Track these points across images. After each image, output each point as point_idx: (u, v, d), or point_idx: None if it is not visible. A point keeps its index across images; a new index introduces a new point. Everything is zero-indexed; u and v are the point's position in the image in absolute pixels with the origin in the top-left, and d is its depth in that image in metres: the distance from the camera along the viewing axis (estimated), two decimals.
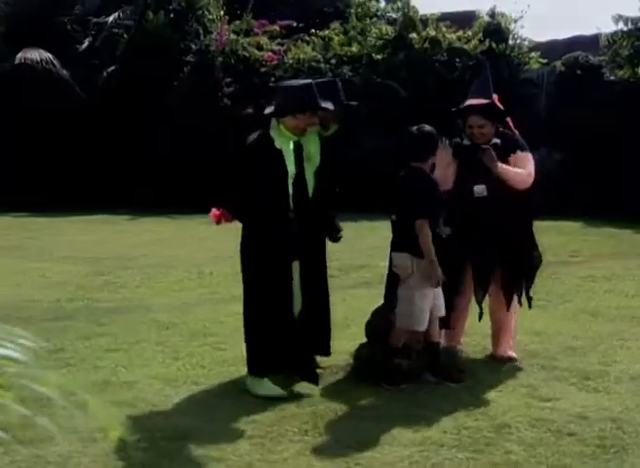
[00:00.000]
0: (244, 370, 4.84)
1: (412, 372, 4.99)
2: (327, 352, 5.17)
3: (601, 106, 16.82)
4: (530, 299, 5.77)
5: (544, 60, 18.86)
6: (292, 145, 4.75)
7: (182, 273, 8.77)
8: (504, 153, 5.39)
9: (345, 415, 4.36)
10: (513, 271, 5.53)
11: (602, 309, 7.19)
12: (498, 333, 5.61)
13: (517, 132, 5.68)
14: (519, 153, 5.46)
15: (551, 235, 12.77)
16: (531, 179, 5.51)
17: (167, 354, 5.48)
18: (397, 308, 4.88)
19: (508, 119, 5.67)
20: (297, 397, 4.63)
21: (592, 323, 6.67)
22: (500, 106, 5.54)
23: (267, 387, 4.61)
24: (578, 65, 18.10)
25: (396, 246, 4.90)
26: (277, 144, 4.65)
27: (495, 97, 5.55)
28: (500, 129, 5.51)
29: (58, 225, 13.73)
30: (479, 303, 5.56)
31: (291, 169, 4.73)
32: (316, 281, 5.03)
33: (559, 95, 18.01)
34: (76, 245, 11.14)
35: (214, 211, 4.98)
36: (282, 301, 4.63)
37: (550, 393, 4.76)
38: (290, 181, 4.73)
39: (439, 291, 4.94)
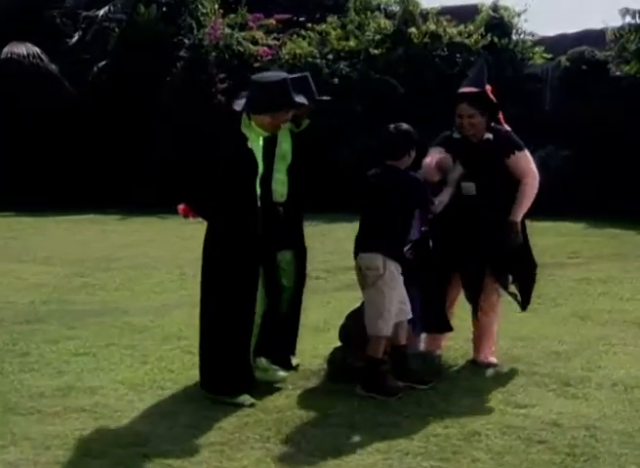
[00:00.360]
0: None
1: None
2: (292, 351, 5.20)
3: (607, 102, 16.80)
4: (526, 303, 5.72)
5: (549, 55, 18.84)
6: (261, 142, 4.74)
7: (165, 275, 8.80)
8: (500, 152, 5.31)
9: (312, 422, 4.36)
10: (502, 274, 5.49)
11: (593, 313, 7.18)
12: (479, 338, 5.61)
13: (509, 128, 5.60)
14: (517, 154, 5.35)
15: (551, 236, 12.80)
16: (537, 181, 5.43)
17: (136, 358, 5.49)
18: (366, 312, 4.86)
19: (500, 115, 5.58)
20: (264, 403, 4.63)
21: (581, 327, 6.66)
22: (493, 98, 5.45)
23: (236, 394, 4.60)
24: (583, 60, 18.06)
25: (366, 245, 4.88)
26: (249, 143, 4.63)
27: (488, 88, 5.45)
28: (492, 124, 5.43)
29: (44, 225, 13.78)
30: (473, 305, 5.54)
31: (260, 167, 4.73)
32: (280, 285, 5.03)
33: (564, 90, 17.99)
34: (60, 245, 11.17)
35: (180, 206, 4.99)
36: (243, 309, 4.60)
37: (527, 399, 4.75)
38: (258, 181, 4.72)
39: (404, 293, 4.93)
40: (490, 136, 5.33)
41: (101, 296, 7.78)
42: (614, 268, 9.55)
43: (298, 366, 5.32)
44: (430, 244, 5.32)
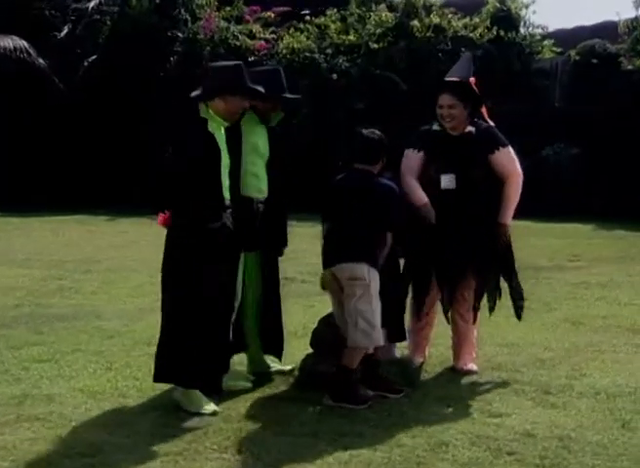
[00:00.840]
0: None
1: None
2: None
3: (619, 98, 16.75)
4: (519, 309, 5.71)
5: (559, 49, 18.78)
6: (223, 131, 4.75)
7: (145, 277, 8.79)
8: (482, 147, 5.31)
9: (274, 432, 4.35)
10: (483, 277, 5.47)
11: (587, 318, 7.17)
12: (458, 345, 5.60)
13: (493, 123, 5.57)
14: (501, 150, 5.34)
15: (555, 237, 12.80)
16: (520, 177, 5.41)
17: (100, 365, 5.50)
18: (354, 324, 4.80)
19: (484, 110, 5.56)
20: (226, 411, 4.63)
21: (571, 333, 6.65)
22: (476, 89, 5.45)
23: (200, 403, 4.60)
24: (594, 54, 17.99)
25: (348, 255, 4.81)
26: (209, 127, 4.64)
27: (472, 80, 5.45)
28: (475, 119, 5.43)
29: (29, 226, 13.86)
30: (445, 312, 5.54)
31: (225, 158, 4.71)
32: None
33: (574, 86, 17.94)
34: (42, 247, 11.23)
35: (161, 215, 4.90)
36: (203, 306, 4.60)
37: (502, 408, 4.74)
38: (225, 171, 4.71)
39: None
40: (472, 128, 5.33)
41: (76, 300, 7.80)
42: (616, 272, 9.53)
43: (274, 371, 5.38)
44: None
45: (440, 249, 5.33)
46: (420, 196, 5.26)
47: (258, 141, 5.19)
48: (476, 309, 5.60)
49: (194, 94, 4.71)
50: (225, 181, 4.73)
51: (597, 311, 7.48)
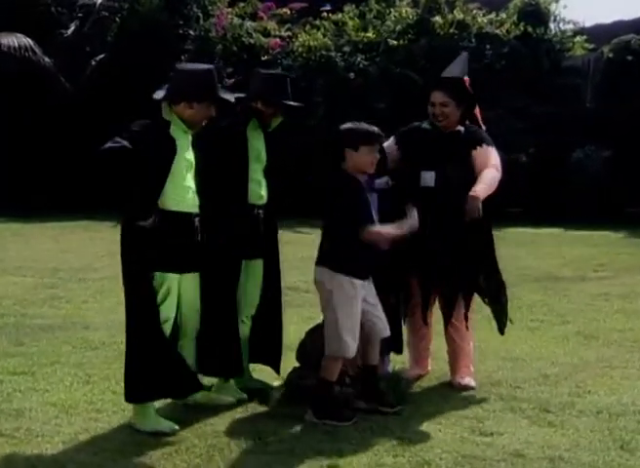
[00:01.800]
0: None
1: (346, 401, 5.00)
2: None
3: None
4: (501, 324, 5.66)
5: (591, 46, 18.66)
6: (189, 139, 4.75)
7: None
8: (467, 144, 5.36)
9: (249, 449, 4.35)
10: (466, 285, 5.46)
11: (602, 332, 7.11)
12: (453, 358, 5.58)
13: (484, 127, 5.64)
14: (485, 147, 5.38)
15: (581, 246, 12.72)
16: (500, 174, 5.41)
17: (78, 378, 5.53)
18: (324, 332, 4.84)
19: (477, 112, 5.61)
20: (202, 427, 4.65)
21: (583, 347, 6.60)
22: (470, 89, 5.49)
23: (155, 421, 4.61)
24: (629, 50, 17.88)
25: (318, 258, 4.88)
26: (171, 132, 4.64)
27: (466, 79, 5.50)
28: (467, 122, 5.47)
29: (29, 232, 13.99)
30: (424, 320, 5.53)
31: (188, 159, 4.71)
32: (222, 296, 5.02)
33: (607, 84, 17.82)
34: (38, 254, 11.33)
35: None
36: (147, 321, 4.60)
37: (495, 426, 4.71)
38: (190, 174, 4.70)
39: (378, 310, 4.90)
40: (461, 128, 5.40)
41: (66, 310, 7.86)
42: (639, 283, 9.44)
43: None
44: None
45: (420, 249, 5.30)
46: None
47: (259, 148, 5.23)
48: (466, 315, 5.53)
49: (158, 95, 4.69)
50: (191, 185, 4.71)
51: (613, 324, 7.42)
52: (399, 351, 5.63)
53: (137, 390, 4.63)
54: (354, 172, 4.79)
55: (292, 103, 5.26)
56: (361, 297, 4.81)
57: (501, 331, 5.66)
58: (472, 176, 5.27)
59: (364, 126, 4.86)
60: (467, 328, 5.54)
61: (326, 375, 4.82)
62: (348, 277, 4.74)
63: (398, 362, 5.83)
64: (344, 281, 4.73)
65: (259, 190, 5.20)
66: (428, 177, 5.30)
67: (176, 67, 4.83)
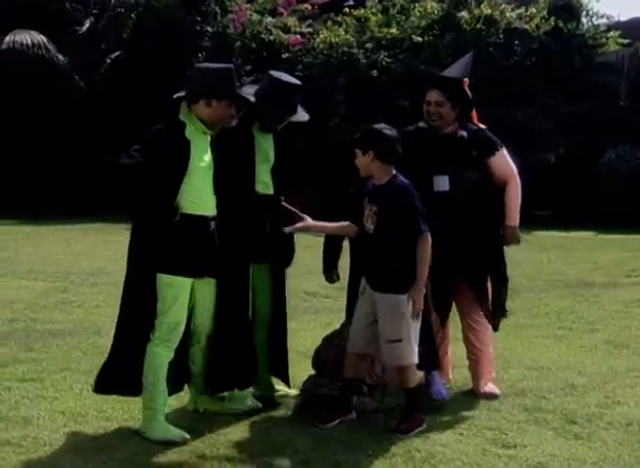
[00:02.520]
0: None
1: (363, 410, 5.01)
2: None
3: None
4: (498, 320, 5.63)
5: (626, 41, 18.55)
6: (208, 140, 4.77)
7: None
8: (479, 150, 5.38)
9: (263, 460, 4.34)
10: (480, 289, 5.46)
11: (633, 340, 7.08)
12: (474, 365, 5.57)
13: (484, 126, 5.60)
14: (498, 153, 5.44)
15: (614, 250, 12.65)
16: (518, 181, 5.50)
17: (88, 384, 5.48)
18: None
19: (474, 114, 5.57)
20: (215, 436, 4.66)
21: (612, 356, 6.56)
22: (468, 91, 5.49)
23: (164, 429, 4.63)
24: None
25: None
26: (187, 133, 4.66)
27: (465, 80, 5.50)
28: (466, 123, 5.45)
29: (41, 235, 14.09)
30: (441, 321, 5.49)
31: (205, 160, 4.73)
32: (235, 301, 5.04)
33: None
34: (50, 257, 11.41)
35: None
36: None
37: (519, 438, 4.69)
38: (207, 176, 4.73)
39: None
40: (464, 133, 5.40)
41: (77, 315, 7.91)
42: None
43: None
44: None
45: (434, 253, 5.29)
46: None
47: (267, 148, 5.23)
48: (488, 317, 5.51)
49: (177, 95, 4.73)
50: (204, 189, 4.73)
51: None
52: (434, 367, 5.51)
53: (105, 381, 4.79)
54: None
55: (294, 120, 5.21)
56: (367, 300, 4.87)
57: (496, 327, 5.62)
58: (486, 180, 5.36)
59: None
60: (496, 328, 5.55)
61: (345, 372, 4.95)
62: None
63: None
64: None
65: (264, 192, 5.21)
66: (442, 182, 5.31)
67: (194, 66, 4.85)
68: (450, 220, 5.26)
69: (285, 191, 5.30)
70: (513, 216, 5.45)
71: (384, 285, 4.78)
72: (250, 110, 5.08)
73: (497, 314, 5.56)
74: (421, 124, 5.52)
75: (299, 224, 4.95)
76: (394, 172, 4.83)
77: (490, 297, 5.50)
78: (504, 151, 5.49)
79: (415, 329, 4.79)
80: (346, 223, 5.01)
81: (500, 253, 5.52)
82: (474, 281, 5.45)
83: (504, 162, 5.48)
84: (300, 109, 5.22)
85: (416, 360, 4.81)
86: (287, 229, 4.97)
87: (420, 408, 4.93)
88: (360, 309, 4.93)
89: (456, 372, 5.84)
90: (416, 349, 4.80)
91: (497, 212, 5.45)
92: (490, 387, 5.48)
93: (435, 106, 5.32)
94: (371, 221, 4.81)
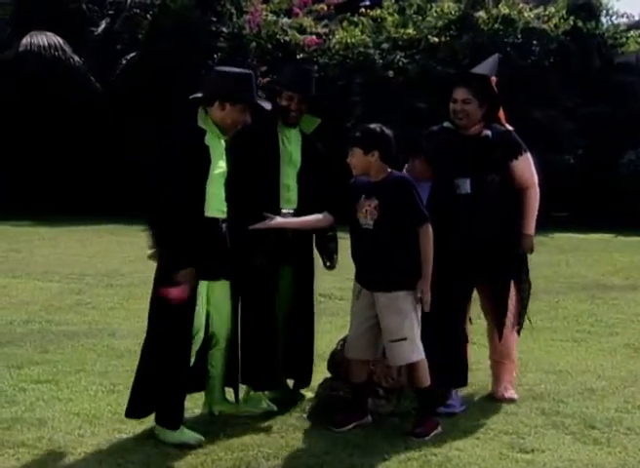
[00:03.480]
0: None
1: (379, 413, 5.01)
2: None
3: None
4: (520, 326, 5.61)
5: None
6: (223, 145, 4.77)
7: None
8: (503, 153, 5.32)
9: (276, 462, 4.35)
10: (502, 291, 5.42)
11: None
12: (497, 370, 5.55)
13: (511, 128, 5.51)
14: (522, 157, 5.38)
15: (632, 253, 12.62)
16: (537, 188, 5.46)
17: (103, 386, 5.58)
18: None
19: (501, 114, 5.48)
20: (229, 439, 4.67)
21: (632, 360, 6.53)
22: (495, 89, 5.39)
23: (179, 432, 4.63)
24: None
25: None
26: (206, 141, 4.64)
27: (493, 79, 5.42)
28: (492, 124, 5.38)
29: (56, 236, 14.16)
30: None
31: (221, 166, 4.73)
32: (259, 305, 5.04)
33: None
34: (65, 258, 11.46)
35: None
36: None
37: (537, 443, 4.66)
38: (221, 181, 4.74)
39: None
40: (488, 132, 5.32)
41: (92, 316, 7.93)
42: None
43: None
44: None
45: (454, 259, 5.24)
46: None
47: (292, 150, 5.23)
48: (502, 325, 5.45)
49: (193, 96, 4.73)
50: (218, 194, 4.73)
51: None
52: (463, 384, 5.45)
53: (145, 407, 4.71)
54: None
55: (314, 96, 5.30)
56: (364, 304, 4.87)
57: (518, 331, 5.59)
58: (508, 181, 5.31)
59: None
60: (518, 332, 5.54)
61: (349, 377, 4.98)
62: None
63: None
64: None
65: (287, 194, 5.20)
66: (464, 184, 5.26)
67: (212, 68, 4.84)
68: (472, 223, 5.23)
69: (309, 195, 5.27)
70: (530, 224, 5.41)
71: (384, 282, 4.78)
72: (274, 108, 5.07)
73: (520, 318, 5.52)
74: (446, 124, 5.43)
75: (268, 221, 4.87)
76: (389, 168, 4.86)
77: (513, 301, 5.45)
78: (528, 156, 5.42)
79: (418, 326, 4.79)
80: (320, 216, 4.96)
81: (522, 256, 5.47)
82: (496, 284, 5.40)
83: (527, 167, 5.40)
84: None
85: (422, 356, 4.79)
86: (256, 226, 4.85)
87: (434, 409, 4.92)
88: (358, 314, 4.92)
89: (471, 376, 5.80)
90: (421, 346, 4.78)
91: (517, 216, 5.40)
92: (510, 393, 5.45)
93: (462, 104, 5.23)
94: (370, 217, 4.80)
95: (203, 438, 4.60)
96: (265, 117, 5.07)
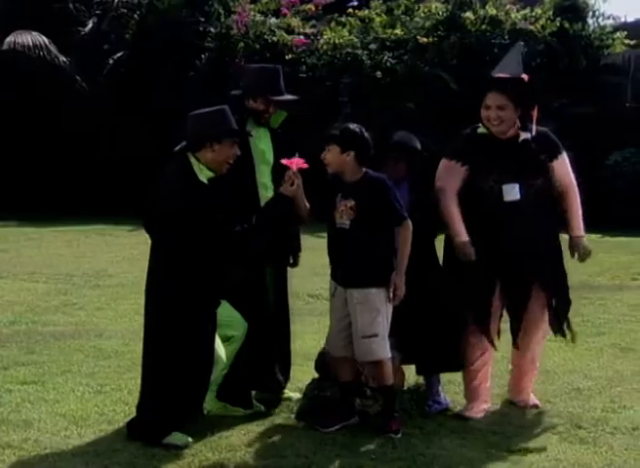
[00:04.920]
0: None
1: (366, 413, 5.00)
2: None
3: None
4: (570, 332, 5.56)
5: (632, 42, 18.48)
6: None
7: None
8: (545, 153, 5.19)
9: (264, 463, 4.36)
10: (550, 298, 5.31)
11: (639, 344, 7.04)
12: (517, 377, 5.41)
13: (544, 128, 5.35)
14: (562, 156, 5.27)
15: (620, 253, 12.62)
16: (577, 188, 5.37)
17: (90, 387, 5.57)
18: None
19: (534, 113, 5.24)
20: (217, 440, 4.66)
21: (618, 360, 6.55)
22: (532, 89, 5.24)
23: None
24: None
25: None
26: (201, 177, 4.70)
27: (524, 77, 5.20)
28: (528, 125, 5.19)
29: (43, 236, 14.09)
30: (491, 341, 5.28)
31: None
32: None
33: None
34: (52, 259, 11.42)
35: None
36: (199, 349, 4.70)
37: (523, 443, 4.68)
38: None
39: (356, 332, 4.88)
40: (527, 135, 5.15)
41: (79, 317, 7.92)
42: None
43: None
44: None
45: (501, 270, 5.17)
46: (460, 231, 5.14)
47: (264, 148, 5.23)
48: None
49: (178, 148, 4.75)
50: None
51: None
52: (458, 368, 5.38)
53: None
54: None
55: (282, 98, 5.28)
56: (339, 302, 4.91)
57: (573, 338, 5.54)
58: (553, 184, 5.22)
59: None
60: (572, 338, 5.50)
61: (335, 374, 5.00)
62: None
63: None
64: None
65: (265, 193, 5.20)
66: (512, 190, 5.11)
67: (188, 115, 4.84)
68: (523, 230, 5.10)
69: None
70: (579, 226, 5.30)
71: (358, 279, 4.80)
72: (237, 109, 5.04)
73: (563, 324, 5.45)
74: (480, 129, 5.21)
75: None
76: (364, 169, 4.87)
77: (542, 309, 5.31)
78: (565, 155, 5.31)
79: (388, 323, 4.83)
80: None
81: (561, 262, 5.33)
82: (541, 290, 5.26)
83: (566, 167, 5.29)
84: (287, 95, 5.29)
85: (390, 354, 4.81)
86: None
87: (395, 408, 4.92)
88: (335, 312, 4.98)
89: (458, 375, 5.78)
90: (387, 345, 4.82)
91: (559, 220, 5.31)
92: (533, 399, 5.33)
93: (497, 110, 5.04)
94: (346, 217, 4.81)
95: (190, 439, 4.59)
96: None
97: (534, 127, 5.24)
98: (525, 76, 5.21)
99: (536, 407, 5.30)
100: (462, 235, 5.13)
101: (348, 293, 4.84)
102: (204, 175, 4.72)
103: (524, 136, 5.17)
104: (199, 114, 4.82)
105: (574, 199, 5.32)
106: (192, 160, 4.71)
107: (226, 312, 4.90)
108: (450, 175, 5.22)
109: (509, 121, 5.11)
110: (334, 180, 4.91)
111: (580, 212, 5.35)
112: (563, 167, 5.28)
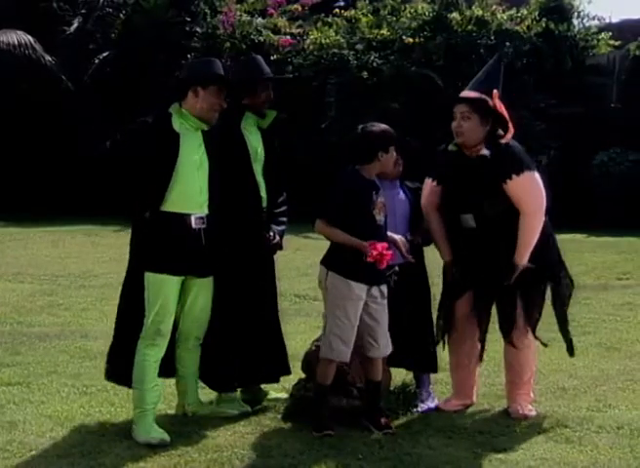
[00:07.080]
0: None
1: (353, 413, 5.00)
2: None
3: None
4: (569, 342, 5.56)
5: (617, 43, 18.57)
6: (200, 137, 4.76)
7: None
8: (496, 174, 4.94)
9: (251, 464, 4.36)
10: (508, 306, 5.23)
11: (624, 343, 7.09)
12: (511, 384, 5.33)
13: (512, 141, 5.08)
14: (516, 178, 4.90)
15: (605, 253, 12.67)
16: (543, 209, 5.02)
17: (76, 388, 5.56)
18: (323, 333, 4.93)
19: (509, 134, 5.07)
20: (204, 440, 4.66)
21: (603, 359, 6.57)
22: (499, 105, 5.01)
23: (146, 430, 4.64)
24: None
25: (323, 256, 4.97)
26: (175, 126, 4.66)
27: (495, 92, 5.02)
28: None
29: (29, 237, 14.07)
30: (480, 339, 5.33)
31: (194, 157, 4.72)
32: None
33: (633, 84, 17.75)
34: (37, 260, 11.39)
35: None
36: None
37: (509, 442, 4.69)
38: (194, 175, 4.72)
39: (382, 328, 4.89)
40: (486, 152, 4.98)
41: (64, 318, 7.90)
42: None
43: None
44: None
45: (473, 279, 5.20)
46: (443, 250, 5.24)
47: (256, 146, 5.23)
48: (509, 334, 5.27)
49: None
50: (191, 187, 4.72)
51: (637, 335, 7.39)
52: (434, 370, 5.50)
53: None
54: (381, 174, 4.94)
55: (272, 76, 5.38)
56: (360, 303, 4.82)
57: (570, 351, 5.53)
58: (513, 208, 4.96)
59: (385, 126, 4.92)
60: (545, 344, 5.51)
61: (318, 379, 4.89)
62: (340, 276, 4.78)
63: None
64: (338, 280, 4.77)
65: (259, 191, 5.21)
66: (469, 221, 5.07)
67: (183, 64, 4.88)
68: (481, 257, 5.06)
69: (273, 189, 5.29)
70: (521, 252, 4.95)
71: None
72: (234, 106, 5.07)
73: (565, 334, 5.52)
74: (451, 146, 5.13)
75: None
76: None
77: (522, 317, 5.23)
78: (526, 175, 4.93)
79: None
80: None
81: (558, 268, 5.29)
82: (502, 298, 5.20)
83: (523, 188, 4.92)
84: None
85: (331, 356, 4.81)
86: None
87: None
88: (356, 316, 4.89)
89: (445, 375, 5.81)
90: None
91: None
92: (528, 410, 5.19)
93: (459, 120, 4.94)
94: (382, 214, 4.85)
95: (168, 438, 4.59)
96: (228, 116, 5.05)
97: (504, 142, 5.04)
98: (495, 92, 5.03)
99: (529, 418, 5.09)
100: (446, 255, 5.25)
101: (374, 290, 4.84)
102: (187, 123, 4.67)
103: (483, 152, 4.99)
104: (189, 62, 4.86)
105: (524, 226, 4.94)
106: (174, 109, 4.70)
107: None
108: (430, 194, 5.27)
109: (471, 132, 4.97)
110: (360, 180, 4.84)
111: (528, 240, 4.96)
112: (519, 188, 4.93)
